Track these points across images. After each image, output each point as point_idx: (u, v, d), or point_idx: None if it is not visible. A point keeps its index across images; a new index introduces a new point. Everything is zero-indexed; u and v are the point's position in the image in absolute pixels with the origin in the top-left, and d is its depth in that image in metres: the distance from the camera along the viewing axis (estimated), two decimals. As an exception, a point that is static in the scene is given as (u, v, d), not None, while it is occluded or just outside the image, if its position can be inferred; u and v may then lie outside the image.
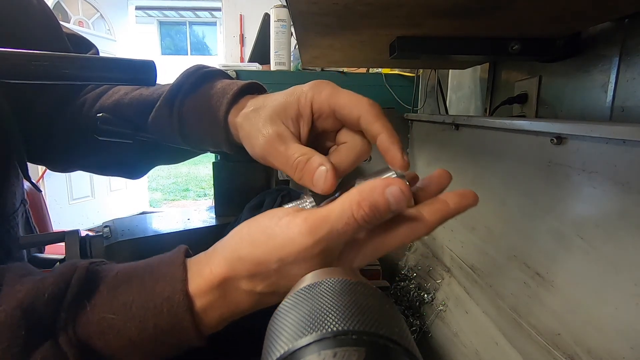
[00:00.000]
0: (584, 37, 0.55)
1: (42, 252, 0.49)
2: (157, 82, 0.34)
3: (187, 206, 4.16)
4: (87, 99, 0.46)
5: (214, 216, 0.51)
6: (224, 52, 3.45)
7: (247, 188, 0.50)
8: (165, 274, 0.26)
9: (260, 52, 1.43)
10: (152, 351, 0.26)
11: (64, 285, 0.25)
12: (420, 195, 0.28)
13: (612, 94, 0.50)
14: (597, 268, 0.36)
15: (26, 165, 0.42)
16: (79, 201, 3.08)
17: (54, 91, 0.46)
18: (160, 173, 5.66)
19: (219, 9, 3.60)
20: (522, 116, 0.69)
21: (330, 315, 0.16)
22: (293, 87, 0.31)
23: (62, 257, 0.42)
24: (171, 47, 9.24)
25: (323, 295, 0.17)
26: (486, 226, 0.57)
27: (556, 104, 0.62)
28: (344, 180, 0.30)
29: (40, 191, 0.54)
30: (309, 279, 0.20)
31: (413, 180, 0.31)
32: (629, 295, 0.33)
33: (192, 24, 9.11)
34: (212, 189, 0.51)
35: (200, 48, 9.19)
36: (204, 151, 0.43)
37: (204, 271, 0.26)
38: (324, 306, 0.16)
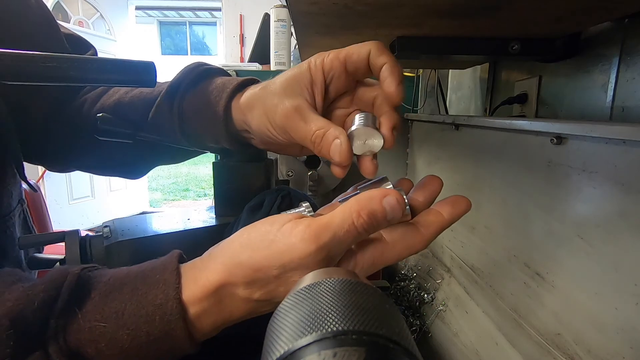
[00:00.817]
0: (584, 37, 0.55)
1: (40, 252, 0.49)
2: (157, 82, 0.34)
3: (187, 206, 4.16)
4: (87, 99, 0.46)
5: (214, 216, 0.51)
6: (224, 52, 3.45)
7: (247, 188, 0.49)
8: (158, 281, 0.26)
9: (260, 52, 1.43)
10: (145, 358, 0.25)
11: (55, 293, 0.24)
12: (415, 206, 0.29)
13: (612, 94, 0.50)
14: (597, 268, 0.36)
15: (22, 165, 0.42)
16: (79, 201, 3.08)
17: (52, 92, 0.46)
18: (160, 173, 5.66)
19: (219, 9, 3.60)
20: (522, 116, 0.69)
21: (330, 315, 0.16)
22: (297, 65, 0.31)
23: (62, 257, 0.42)
24: (171, 47, 9.25)
25: (323, 295, 0.17)
26: (486, 226, 0.57)
27: (556, 104, 0.62)
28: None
29: (37, 191, 0.54)
30: (309, 279, 0.20)
31: (408, 188, 0.31)
32: (629, 295, 0.33)
33: (192, 24, 9.11)
34: (212, 189, 0.51)
35: (200, 48, 9.19)
36: (203, 149, 0.43)
37: (200, 277, 0.26)
38: (324, 306, 0.16)
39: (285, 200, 0.45)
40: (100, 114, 0.39)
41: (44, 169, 2.55)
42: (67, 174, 1.81)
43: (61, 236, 0.41)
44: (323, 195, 0.83)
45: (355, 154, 0.29)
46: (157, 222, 0.50)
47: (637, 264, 0.32)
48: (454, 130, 0.66)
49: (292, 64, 1.23)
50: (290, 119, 0.29)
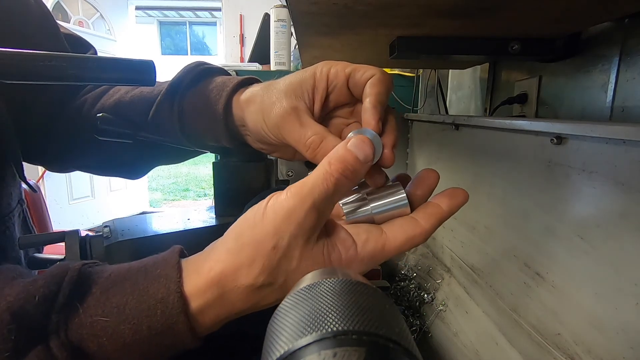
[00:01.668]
0: (584, 37, 0.55)
1: (40, 252, 0.49)
2: (158, 81, 0.34)
3: (187, 206, 4.16)
4: (87, 99, 0.46)
5: (214, 216, 0.51)
6: (224, 52, 3.45)
7: (247, 188, 0.49)
8: (159, 275, 0.26)
9: (260, 52, 1.43)
10: (147, 353, 0.25)
11: (56, 288, 0.24)
12: (413, 199, 0.29)
13: (612, 94, 0.50)
14: (597, 268, 0.36)
15: (22, 165, 0.42)
16: (79, 201, 3.08)
17: (52, 91, 0.46)
18: (160, 173, 5.66)
19: (219, 9, 3.60)
20: (522, 116, 0.69)
21: (330, 315, 0.16)
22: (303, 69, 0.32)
23: (62, 257, 0.42)
24: (171, 47, 9.25)
25: (323, 295, 0.17)
26: (486, 226, 0.57)
27: (556, 104, 0.62)
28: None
29: (36, 191, 0.54)
30: (308, 279, 0.20)
31: (404, 180, 0.31)
32: (629, 295, 0.33)
33: (192, 24, 9.11)
34: (212, 189, 0.51)
35: (200, 48, 9.20)
36: (204, 149, 0.43)
37: (203, 268, 0.26)
38: (324, 306, 0.16)
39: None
40: (101, 114, 0.39)
41: (44, 169, 2.56)
42: (67, 174, 1.81)
43: (61, 236, 0.41)
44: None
45: None
46: (157, 222, 0.50)
47: (637, 264, 0.32)
48: (454, 130, 0.66)
49: (292, 64, 1.23)
50: (286, 119, 0.30)
